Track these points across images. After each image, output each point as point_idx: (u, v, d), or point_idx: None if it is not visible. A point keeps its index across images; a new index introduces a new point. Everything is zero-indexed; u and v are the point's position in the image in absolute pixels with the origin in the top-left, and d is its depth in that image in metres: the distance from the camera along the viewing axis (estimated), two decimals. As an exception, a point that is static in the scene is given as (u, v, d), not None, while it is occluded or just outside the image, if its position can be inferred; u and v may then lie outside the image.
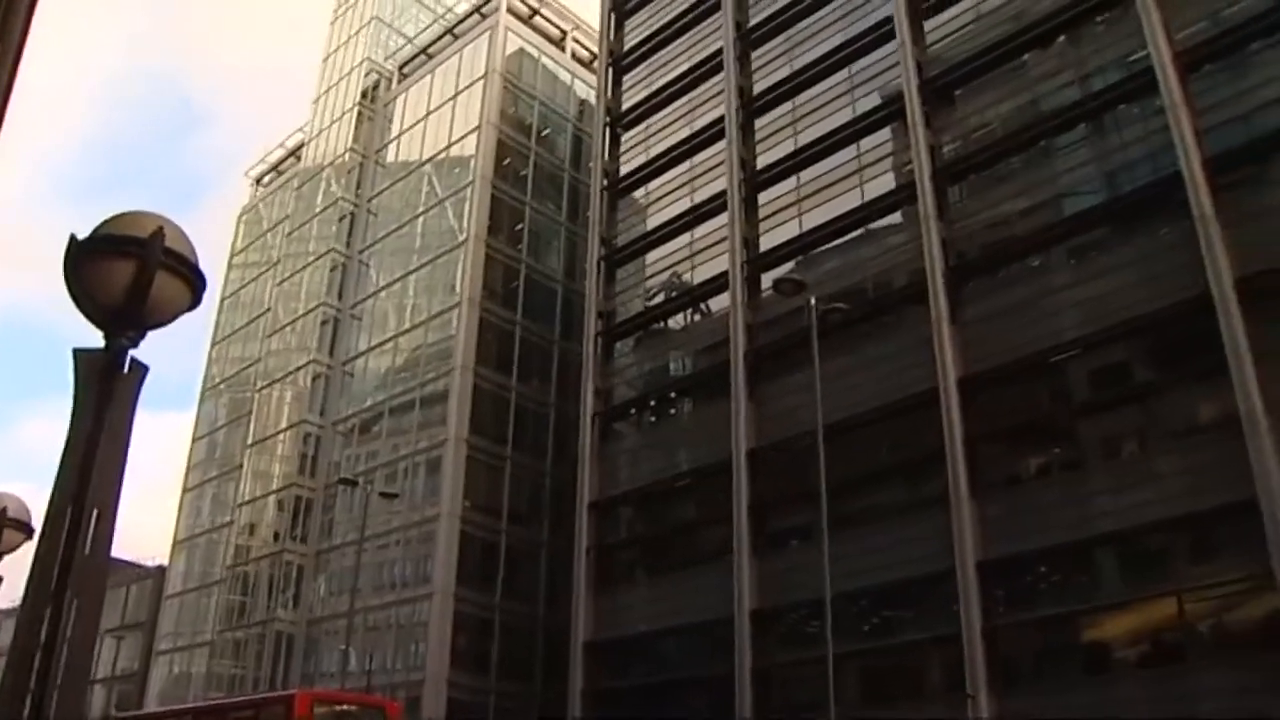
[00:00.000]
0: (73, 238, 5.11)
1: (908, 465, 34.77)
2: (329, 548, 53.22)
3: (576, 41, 64.51)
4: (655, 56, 50.66)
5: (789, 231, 40.89)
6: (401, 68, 66.43)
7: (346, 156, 64.31)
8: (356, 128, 64.91)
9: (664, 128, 48.48)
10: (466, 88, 58.98)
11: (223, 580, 58.87)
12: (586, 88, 61.76)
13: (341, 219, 62.89)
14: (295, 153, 73.87)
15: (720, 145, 44.54)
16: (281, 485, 56.92)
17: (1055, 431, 32.44)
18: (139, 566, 68.47)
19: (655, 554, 42.23)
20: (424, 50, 65.64)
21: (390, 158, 63.40)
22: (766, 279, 40.06)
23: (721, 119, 44.83)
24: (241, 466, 61.34)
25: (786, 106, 43.13)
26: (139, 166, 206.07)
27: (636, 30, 52.56)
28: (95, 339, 5.12)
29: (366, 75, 66.45)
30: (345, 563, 49.18)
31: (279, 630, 52.18)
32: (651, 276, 47.13)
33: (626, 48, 52.59)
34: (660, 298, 46.49)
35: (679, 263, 45.38)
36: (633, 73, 51.72)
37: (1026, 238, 33.85)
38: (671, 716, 37.25)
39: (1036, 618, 30.12)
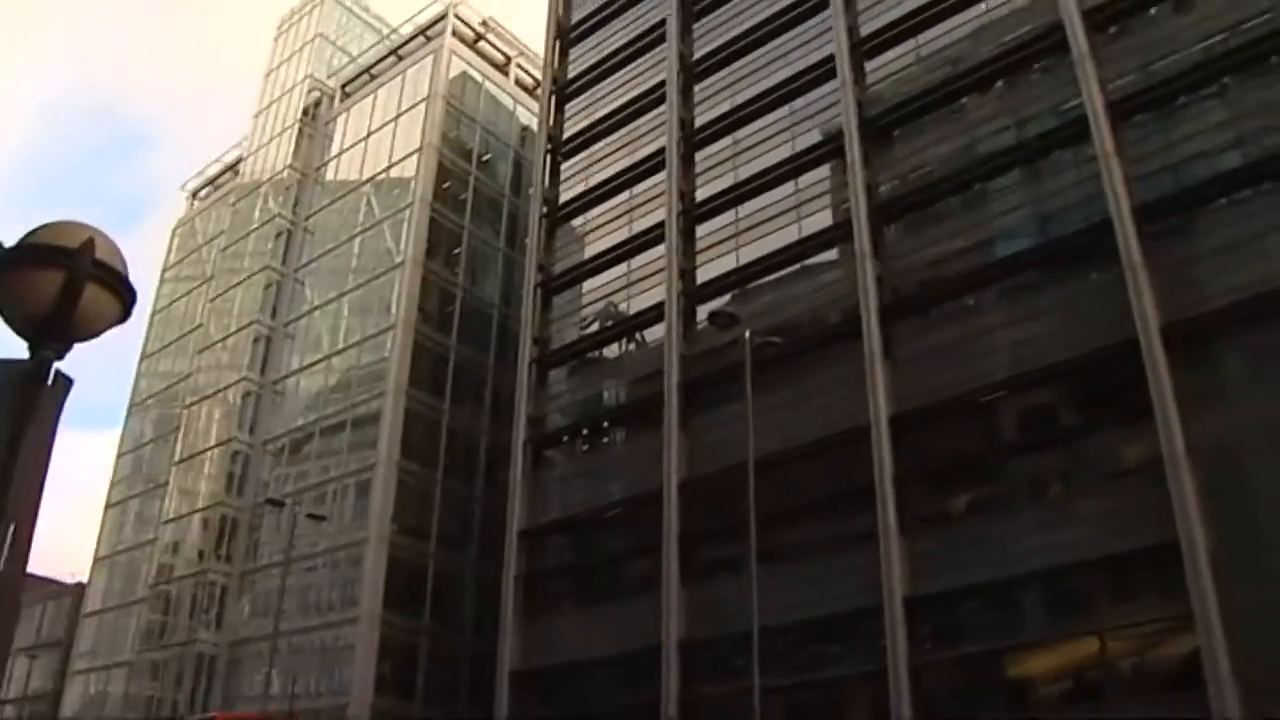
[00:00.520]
0: (-1, 246, 5.02)
1: (838, 500, 34.79)
2: (254, 568, 52.41)
3: (521, 68, 64.61)
4: (598, 86, 50.83)
5: (726, 264, 41.07)
6: (344, 86, 66.10)
7: (285, 173, 63.77)
8: (296, 145, 64.42)
9: (605, 157, 48.60)
10: (409, 109, 58.82)
11: (144, 599, 57.69)
12: (529, 114, 61.83)
13: (278, 236, 62.28)
14: (233, 167, 73.17)
15: (660, 176, 44.71)
16: (208, 504, 55.95)
17: (984, 470, 32.76)
18: (57, 583, 67.13)
19: (584, 583, 42.07)
20: (368, 70, 65.34)
21: (329, 176, 62.98)
22: (702, 311, 40.20)
23: (662, 150, 45.03)
24: (167, 483, 60.27)
25: (727, 140, 43.43)
26: (79, 187, 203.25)
27: (581, 59, 52.74)
28: (20, 350, 5.02)
29: (309, 92, 66.06)
30: (270, 584, 48.51)
31: (200, 651, 51.18)
32: (588, 305, 47.09)
33: (570, 76, 52.73)
34: (596, 326, 46.46)
35: (615, 292, 45.42)
36: (575, 101, 51.84)
37: (960, 278, 34.25)
38: (596, 747, 37.06)
39: (962, 654, 30.32)
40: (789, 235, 39.35)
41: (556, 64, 53.58)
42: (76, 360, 5.14)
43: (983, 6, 37.12)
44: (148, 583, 57.97)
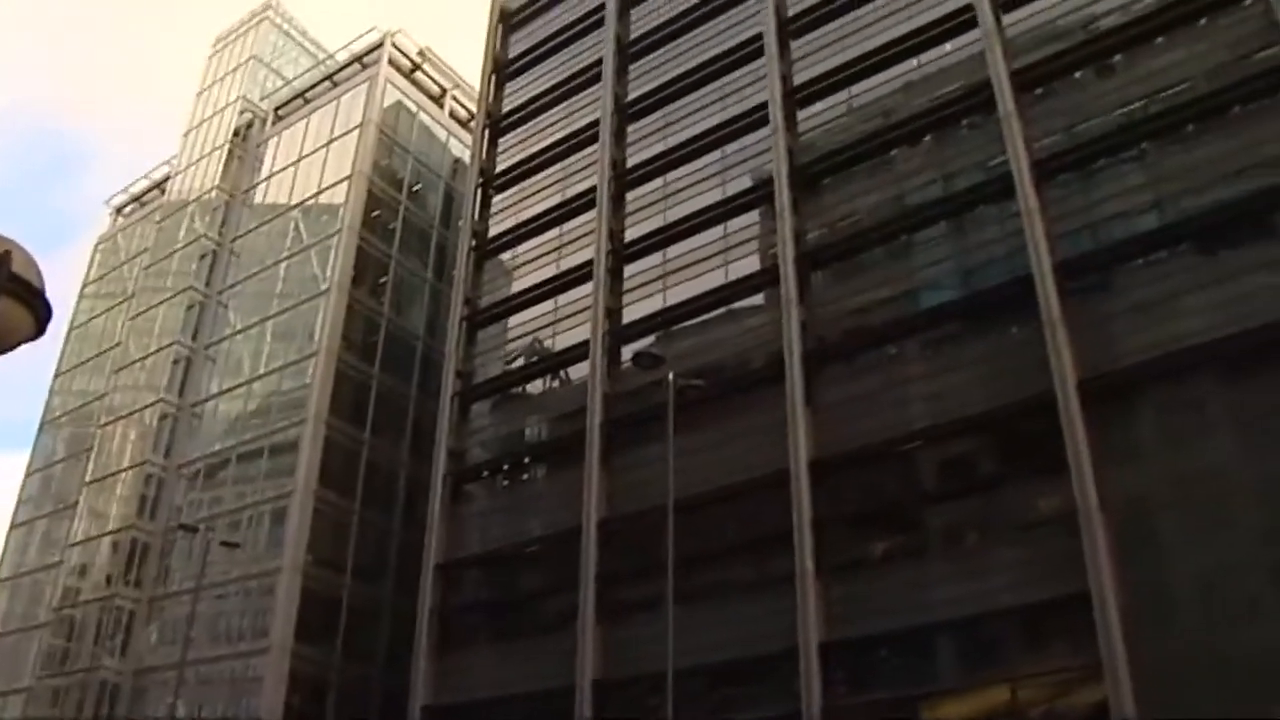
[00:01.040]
0: (-90, 257, 4.93)
1: (756, 543, 34.86)
2: (164, 594, 51.29)
3: (456, 100, 64.60)
4: (533, 122, 50.95)
5: (652, 305, 41.20)
6: (277, 109, 65.58)
7: (213, 194, 63.04)
8: (225, 165, 63.76)
9: (536, 193, 48.65)
10: (341, 135, 58.52)
11: (46, 623, 56.20)
12: (462, 146, 61.83)
13: (202, 257, 61.49)
14: (160, 185, 72.13)
15: (590, 215, 44.84)
16: (118, 526, 54.65)
17: (901, 518, 33.07)
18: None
19: (500, 619, 41.69)
20: (301, 94, 64.96)
21: (258, 199, 62.35)
22: (627, 351, 40.34)
23: (593, 189, 45.18)
24: (77, 504, 58.90)
25: (658, 182, 43.69)
26: (12, 205, 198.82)
27: (516, 94, 52.88)
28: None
29: (240, 114, 65.43)
30: (180, 611, 47.43)
31: (104, 679, 49.87)
32: (513, 340, 46.92)
33: (505, 110, 52.81)
34: (520, 362, 46.34)
35: (541, 328, 45.35)
36: (509, 136, 51.90)
37: (883, 327, 34.67)
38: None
39: (875, 699, 30.39)
40: (716, 279, 39.60)
41: (491, 98, 53.64)
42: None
43: (915, 62, 37.85)
44: (51, 606, 56.45)
